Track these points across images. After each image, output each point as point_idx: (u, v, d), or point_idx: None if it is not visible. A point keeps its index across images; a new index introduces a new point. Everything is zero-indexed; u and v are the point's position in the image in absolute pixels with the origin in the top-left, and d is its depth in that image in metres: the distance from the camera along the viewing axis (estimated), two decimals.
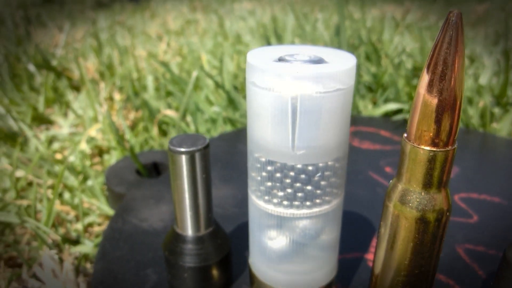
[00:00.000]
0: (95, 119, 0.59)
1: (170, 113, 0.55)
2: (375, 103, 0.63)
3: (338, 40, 0.76)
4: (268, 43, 0.90)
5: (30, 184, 0.46)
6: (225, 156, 0.49)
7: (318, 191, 0.23)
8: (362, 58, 0.70)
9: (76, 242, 0.39)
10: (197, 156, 0.27)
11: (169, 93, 0.67)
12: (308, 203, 0.24)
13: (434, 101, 0.19)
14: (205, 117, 0.58)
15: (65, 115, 0.62)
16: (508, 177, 0.46)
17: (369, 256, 0.34)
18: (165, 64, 0.64)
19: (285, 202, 0.24)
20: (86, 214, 0.43)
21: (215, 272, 0.30)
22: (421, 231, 0.22)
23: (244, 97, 0.68)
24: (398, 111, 0.61)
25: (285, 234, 0.25)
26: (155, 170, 0.47)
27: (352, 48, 0.77)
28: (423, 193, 0.21)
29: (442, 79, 0.19)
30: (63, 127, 0.57)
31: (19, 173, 0.47)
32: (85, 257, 0.37)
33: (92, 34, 0.97)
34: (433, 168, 0.20)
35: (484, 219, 0.38)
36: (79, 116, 0.60)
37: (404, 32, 0.89)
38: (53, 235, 0.38)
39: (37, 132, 0.57)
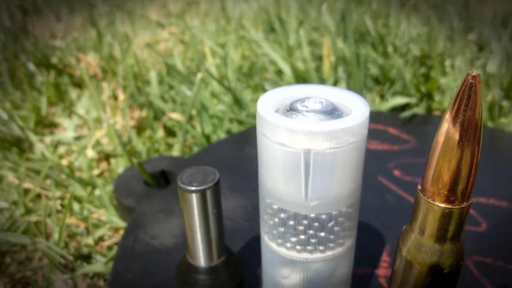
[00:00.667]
0: (99, 121, 0.58)
1: (176, 116, 0.55)
2: (382, 96, 0.62)
3: (343, 27, 0.74)
4: (272, 29, 0.89)
5: (38, 196, 0.46)
6: (233, 162, 0.48)
7: (332, 236, 0.23)
8: (369, 48, 0.68)
9: (88, 257, 0.40)
10: (208, 193, 0.27)
11: (172, 87, 0.66)
12: (321, 247, 0.24)
13: (453, 162, 0.19)
14: (210, 113, 0.57)
15: (68, 116, 0.61)
16: None
17: (380, 272, 0.34)
18: (169, 66, 0.63)
19: (298, 247, 0.24)
20: (96, 226, 0.43)
21: None
22: (434, 277, 0.22)
23: (249, 87, 0.67)
24: (406, 105, 0.60)
25: (298, 274, 0.25)
26: (163, 177, 0.47)
27: (357, 35, 0.76)
28: (437, 246, 0.21)
29: (461, 140, 0.18)
30: (67, 129, 0.57)
31: (27, 184, 0.47)
32: (98, 275, 0.38)
33: (91, 22, 0.95)
34: (448, 223, 0.20)
35: (492, 227, 0.38)
36: (82, 118, 0.59)
37: (411, 13, 0.87)
38: (64, 254, 0.38)
39: (41, 137, 0.56)
